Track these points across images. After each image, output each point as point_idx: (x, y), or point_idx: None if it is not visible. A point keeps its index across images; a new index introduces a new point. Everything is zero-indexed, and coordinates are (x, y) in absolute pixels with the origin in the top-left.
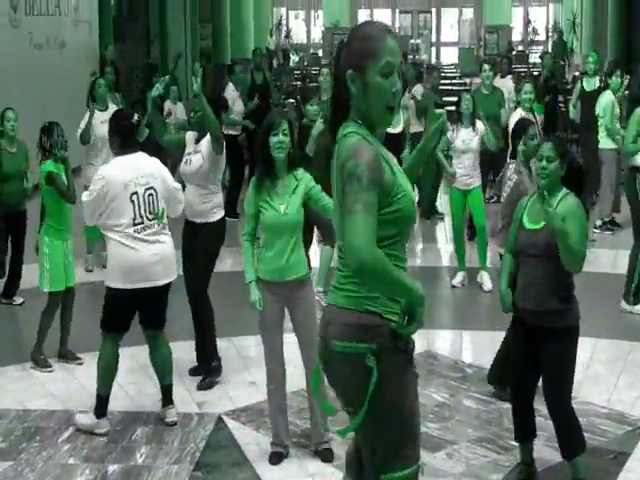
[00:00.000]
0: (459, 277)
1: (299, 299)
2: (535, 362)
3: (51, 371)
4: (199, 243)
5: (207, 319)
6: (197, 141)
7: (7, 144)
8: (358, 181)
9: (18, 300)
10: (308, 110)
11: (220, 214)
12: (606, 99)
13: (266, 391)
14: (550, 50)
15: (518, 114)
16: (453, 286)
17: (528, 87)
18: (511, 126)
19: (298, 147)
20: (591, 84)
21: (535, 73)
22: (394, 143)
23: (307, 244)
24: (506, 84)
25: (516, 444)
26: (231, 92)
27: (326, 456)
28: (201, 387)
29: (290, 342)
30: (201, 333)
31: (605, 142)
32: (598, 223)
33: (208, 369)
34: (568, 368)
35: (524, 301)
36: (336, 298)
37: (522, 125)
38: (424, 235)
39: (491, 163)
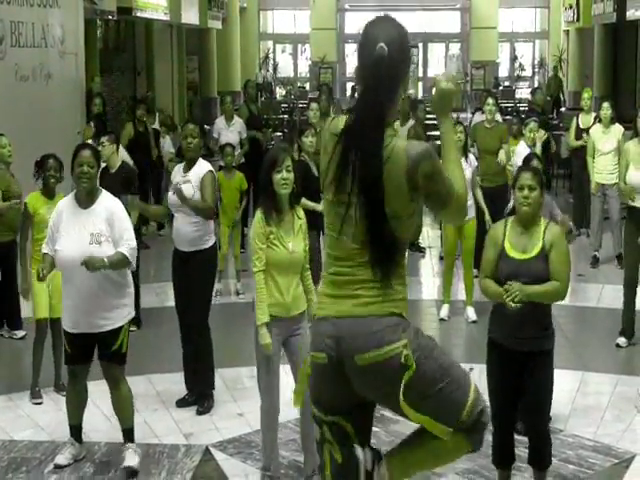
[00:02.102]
0: (445, 310)
1: (297, 330)
2: (515, 388)
3: (38, 403)
4: (194, 273)
5: (209, 349)
6: (185, 167)
7: (6, 171)
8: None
9: (20, 334)
10: (304, 142)
11: (212, 241)
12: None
13: (254, 422)
14: (546, 86)
15: (522, 147)
16: (441, 319)
17: (533, 125)
18: (519, 154)
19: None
20: (587, 120)
21: (521, 109)
22: None
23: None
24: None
25: None
26: (221, 123)
27: None
28: (201, 412)
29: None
30: (200, 362)
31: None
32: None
33: (206, 395)
34: (550, 387)
35: (508, 328)
36: (350, 309)
37: (529, 157)
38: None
39: (492, 197)
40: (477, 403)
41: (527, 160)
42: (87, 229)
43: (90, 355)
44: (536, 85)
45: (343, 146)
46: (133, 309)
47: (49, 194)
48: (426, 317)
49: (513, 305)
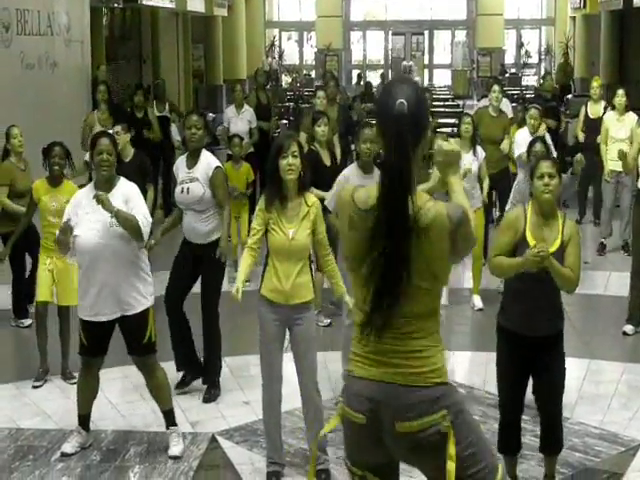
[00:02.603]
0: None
1: (300, 320)
2: (524, 374)
3: (37, 386)
4: (207, 264)
5: (219, 335)
6: (189, 160)
7: (17, 161)
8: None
9: (26, 322)
10: (317, 132)
11: (219, 233)
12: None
13: (260, 410)
14: (555, 73)
15: (522, 134)
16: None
17: (534, 112)
18: (518, 144)
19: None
20: (596, 109)
21: (528, 96)
22: None
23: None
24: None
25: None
26: (231, 112)
27: (323, 476)
28: (207, 400)
29: (285, 361)
30: (209, 351)
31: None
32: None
33: (214, 383)
34: (564, 370)
35: (521, 314)
36: (393, 377)
37: (534, 141)
38: None
39: (495, 181)
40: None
41: (531, 144)
42: (105, 214)
43: (106, 347)
44: (542, 72)
45: (379, 222)
46: (153, 296)
47: (54, 182)
48: (462, 306)
49: (540, 256)
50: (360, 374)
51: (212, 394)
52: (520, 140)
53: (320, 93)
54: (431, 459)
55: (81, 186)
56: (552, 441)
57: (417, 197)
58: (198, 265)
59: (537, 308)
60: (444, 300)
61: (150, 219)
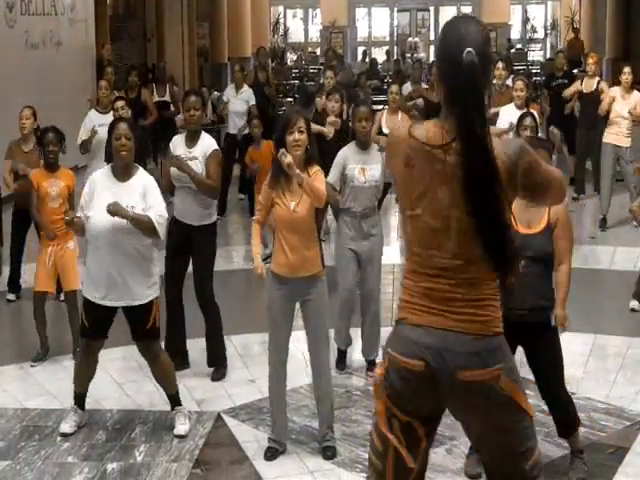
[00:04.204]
0: None
1: (310, 294)
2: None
3: (33, 366)
4: (202, 245)
5: (218, 315)
6: (188, 140)
7: (22, 142)
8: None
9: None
10: (327, 107)
11: (215, 215)
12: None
13: (265, 388)
14: (566, 48)
15: (506, 108)
16: None
17: (519, 83)
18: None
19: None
20: (590, 85)
21: (534, 71)
22: None
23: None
24: None
25: None
26: (230, 91)
27: (328, 453)
28: (215, 378)
29: (292, 339)
30: (212, 333)
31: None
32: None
33: (222, 362)
34: (561, 354)
35: (514, 302)
36: (455, 324)
37: (523, 116)
38: None
39: None
40: (540, 460)
41: (521, 119)
42: (122, 201)
43: (107, 330)
44: (549, 47)
45: (450, 161)
46: (159, 286)
47: (50, 168)
48: None
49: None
50: (418, 321)
51: (220, 373)
52: (506, 111)
53: (329, 73)
54: (485, 410)
55: (72, 169)
56: (562, 423)
57: (491, 141)
58: (189, 247)
59: (524, 284)
60: None
61: (166, 215)
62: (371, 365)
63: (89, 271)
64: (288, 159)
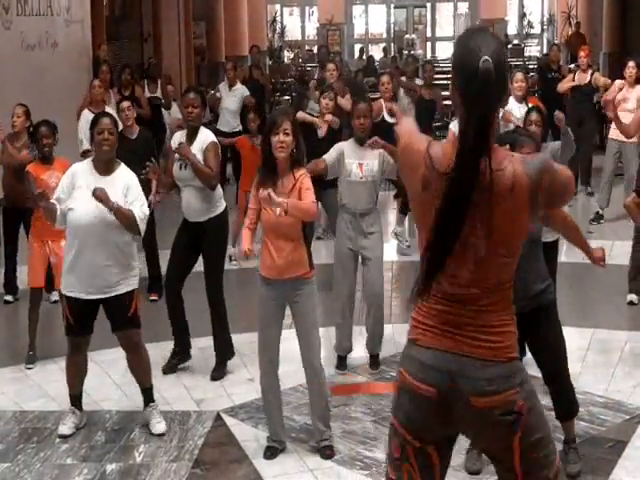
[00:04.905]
0: None
1: (298, 296)
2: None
3: (29, 368)
4: (207, 240)
5: (225, 312)
6: (187, 138)
7: (15, 139)
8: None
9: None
10: (321, 103)
11: (223, 206)
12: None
13: None
14: (566, 43)
15: (510, 103)
16: None
17: (519, 75)
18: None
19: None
20: (583, 78)
21: (530, 66)
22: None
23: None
24: None
25: None
26: (223, 88)
27: (326, 453)
28: (215, 378)
29: (290, 338)
30: (219, 328)
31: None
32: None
33: (224, 362)
34: (562, 336)
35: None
36: (469, 350)
37: (529, 111)
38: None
39: None
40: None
41: (528, 113)
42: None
43: (92, 325)
44: (545, 42)
45: (457, 185)
46: (137, 278)
47: (46, 160)
48: None
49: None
50: (430, 344)
51: (221, 372)
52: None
53: (330, 66)
54: (501, 437)
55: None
56: (562, 407)
57: (494, 157)
58: (198, 244)
59: (526, 282)
60: None
61: (147, 212)
62: (374, 360)
63: (68, 265)
64: (264, 194)
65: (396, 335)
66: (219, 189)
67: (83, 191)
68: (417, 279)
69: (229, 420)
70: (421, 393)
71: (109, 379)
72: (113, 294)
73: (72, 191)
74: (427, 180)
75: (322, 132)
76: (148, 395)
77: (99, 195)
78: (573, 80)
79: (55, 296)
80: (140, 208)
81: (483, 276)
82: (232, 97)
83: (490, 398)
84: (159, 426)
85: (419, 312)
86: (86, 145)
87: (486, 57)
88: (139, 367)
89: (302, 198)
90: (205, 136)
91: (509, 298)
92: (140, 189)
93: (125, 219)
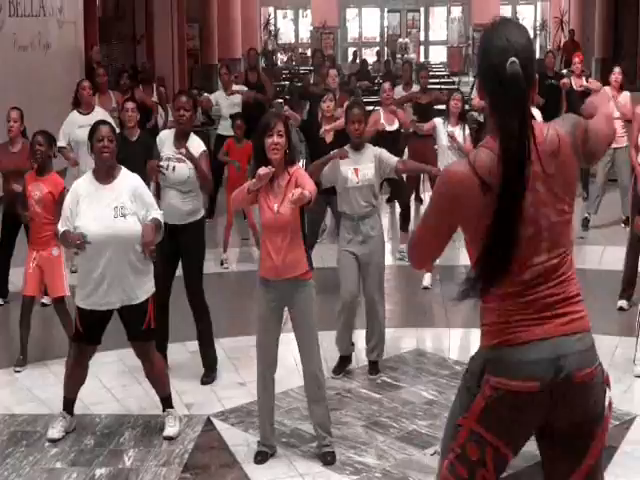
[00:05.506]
0: (427, 279)
1: (298, 299)
2: None
3: (17, 372)
4: (187, 244)
5: (209, 316)
6: (177, 141)
7: (9, 143)
8: None
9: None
10: (322, 107)
11: (202, 213)
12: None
13: (255, 391)
14: (560, 50)
15: None
16: (425, 287)
17: None
18: None
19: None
20: (579, 83)
21: None
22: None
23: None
24: None
25: None
26: (219, 95)
27: (327, 459)
28: (205, 382)
29: (281, 342)
30: (205, 334)
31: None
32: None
33: (213, 367)
34: None
35: None
36: (564, 328)
37: None
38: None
39: None
40: None
41: None
42: (110, 204)
43: (100, 336)
44: (538, 47)
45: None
46: (152, 283)
47: (39, 170)
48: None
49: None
50: (526, 338)
51: (211, 377)
52: None
53: (332, 72)
54: (596, 407)
55: (59, 172)
56: None
57: (537, 132)
58: (177, 248)
59: None
60: (427, 282)
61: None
62: (373, 365)
63: (80, 278)
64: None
65: (393, 340)
66: (201, 198)
67: (87, 202)
68: (470, 279)
69: (219, 424)
70: (525, 391)
71: (99, 383)
72: (128, 304)
73: (77, 208)
74: (486, 185)
75: (329, 138)
76: (165, 402)
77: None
78: (570, 85)
79: (44, 299)
80: (158, 212)
81: (556, 241)
82: (229, 102)
83: (591, 369)
84: (169, 429)
85: (499, 315)
86: (62, 143)
87: (513, 58)
88: (151, 376)
89: (300, 184)
90: (198, 144)
91: (574, 265)
92: (146, 189)
93: (160, 229)
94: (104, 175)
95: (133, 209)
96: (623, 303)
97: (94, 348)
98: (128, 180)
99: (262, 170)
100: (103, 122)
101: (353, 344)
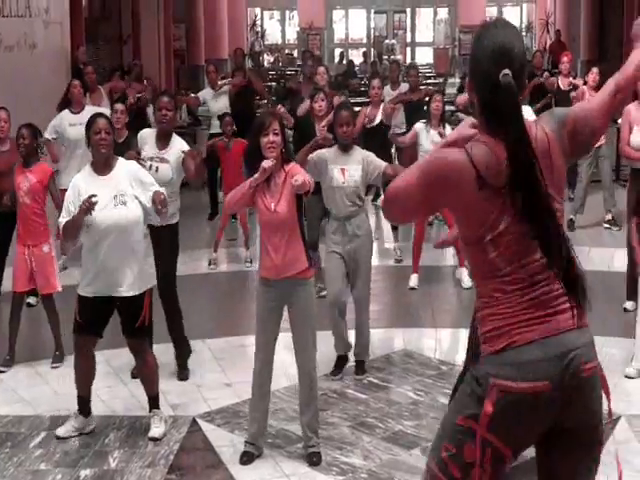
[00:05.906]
0: (414, 279)
1: (297, 298)
2: None
3: (2, 372)
4: (162, 247)
5: (181, 317)
6: (159, 142)
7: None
8: None
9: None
10: (314, 108)
11: (177, 217)
12: None
13: (241, 392)
14: (548, 51)
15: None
16: (411, 288)
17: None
18: None
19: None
20: (566, 83)
21: None
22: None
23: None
24: None
25: None
26: (207, 94)
27: (312, 460)
28: (182, 378)
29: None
30: (176, 331)
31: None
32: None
33: (185, 363)
34: None
35: None
36: (570, 323)
37: None
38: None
39: None
40: None
41: None
42: (109, 193)
43: (98, 327)
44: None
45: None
46: (154, 278)
47: (25, 162)
48: (448, 283)
49: None
50: (531, 337)
51: (185, 373)
52: None
53: (321, 69)
54: (599, 403)
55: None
56: None
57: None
58: (153, 249)
59: None
60: (414, 283)
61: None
62: (360, 365)
63: (86, 267)
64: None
65: (380, 340)
66: (179, 203)
67: (88, 194)
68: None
69: (205, 425)
70: (536, 391)
71: None
72: (125, 294)
73: (78, 199)
74: (482, 180)
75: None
76: (153, 402)
77: (158, 202)
78: (557, 86)
79: (30, 299)
80: (158, 187)
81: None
82: (217, 99)
83: (593, 362)
84: (155, 430)
85: (501, 317)
86: (47, 135)
87: (506, 71)
88: (141, 373)
89: (297, 174)
90: (180, 144)
91: None
92: (144, 171)
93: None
94: (102, 167)
95: (132, 193)
96: (629, 304)
97: (95, 339)
98: (125, 167)
99: (266, 163)
100: (100, 115)
101: (349, 343)
